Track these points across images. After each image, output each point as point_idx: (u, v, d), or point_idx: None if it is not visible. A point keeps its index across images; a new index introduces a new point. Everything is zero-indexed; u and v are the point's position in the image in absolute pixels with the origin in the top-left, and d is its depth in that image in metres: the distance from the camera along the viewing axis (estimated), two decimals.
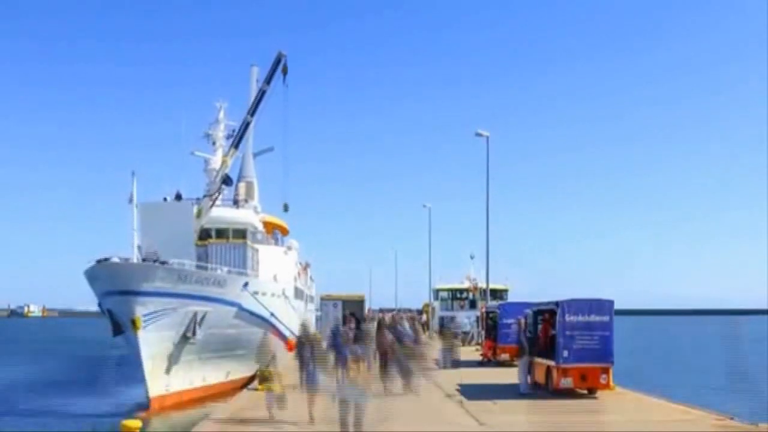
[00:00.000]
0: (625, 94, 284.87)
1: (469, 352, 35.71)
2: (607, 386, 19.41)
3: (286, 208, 48.46)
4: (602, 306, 19.35)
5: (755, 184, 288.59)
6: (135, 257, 28.45)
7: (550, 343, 19.99)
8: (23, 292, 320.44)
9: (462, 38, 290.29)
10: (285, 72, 42.14)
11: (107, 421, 26.07)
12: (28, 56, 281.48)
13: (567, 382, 19.01)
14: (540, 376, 20.51)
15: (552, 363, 19.45)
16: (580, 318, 19.02)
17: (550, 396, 19.23)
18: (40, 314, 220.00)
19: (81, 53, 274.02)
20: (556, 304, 19.68)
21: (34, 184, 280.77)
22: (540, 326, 21.30)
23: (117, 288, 27.14)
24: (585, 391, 19.63)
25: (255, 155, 54.40)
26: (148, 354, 27.58)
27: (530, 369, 20.75)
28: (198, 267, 31.98)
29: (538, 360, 20.59)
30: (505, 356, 27.10)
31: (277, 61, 41.40)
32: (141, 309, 27.08)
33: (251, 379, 30.93)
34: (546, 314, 21.02)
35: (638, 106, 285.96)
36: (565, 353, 18.96)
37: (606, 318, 19.14)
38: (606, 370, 19.17)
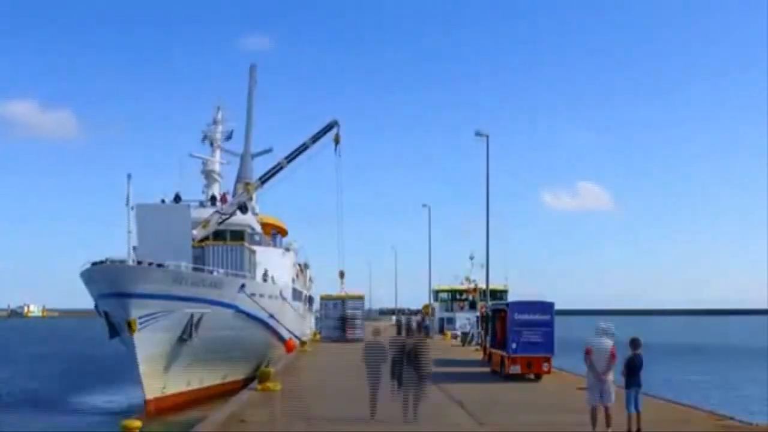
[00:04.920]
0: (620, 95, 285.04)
1: (469, 352, 35.62)
2: (548, 372, 22.82)
3: (342, 275, 54.43)
4: (544, 306, 22.72)
5: (755, 184, 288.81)
6: (130, 259, 28.27)
7: (504, 337, 23.31)
8: (23, 292, 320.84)
9: (463, 39, 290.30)
10: (337, 142, 42.55)
11: (105, 421, 26.10)
12: (28, 57, 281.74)
13: (515, 369, 22.60)
14: (496, 364, 24.59)
15: (504, 353, 23.22)
16: (526, 316, 22.34)
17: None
18: (40, 314, 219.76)
19: (79, 53, 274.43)
20: (506, 304, 23.77)
21: (34, 185, 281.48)
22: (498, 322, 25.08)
23: (112, 290, 26.98)
24: (532, 377, 22.98)
25: (254, 156, 54.39)
26: (143, 356, 27.42)
27: (490, 357, 25.41)
28: (194, 269, 31.83)
29: (495, 350, 25.05)
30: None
31: (329, 127, 41.92)
32: (136, 311, 26.91)
33: (248, 380, 30.78)
34: (502, 312, 24.31)
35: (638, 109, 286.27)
36: (514, 345, 22.45)
37: (547, 316, 22.38)
38: (547, 359, 22.66)
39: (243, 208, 40.65)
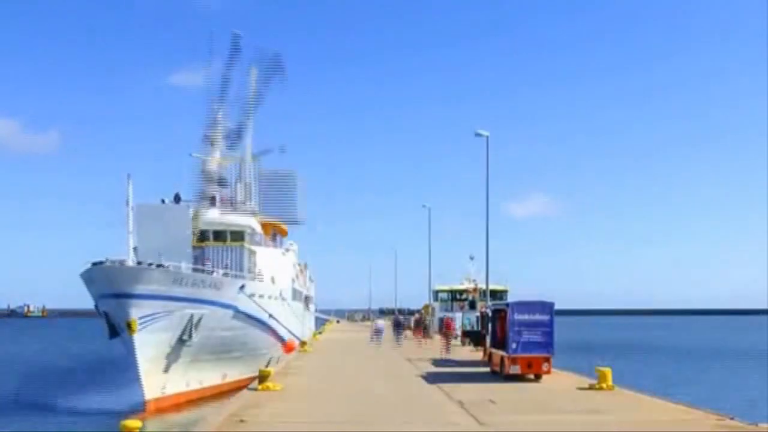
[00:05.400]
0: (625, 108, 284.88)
1: (468, 353, 35.59)
2: (548, 372, 22.51)
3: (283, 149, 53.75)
4: (544, 306, 22.59)
5: (755, 183, 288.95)
6: (130, 260, 28.26)
7: (504, 337, 23.15)
8: (23, 292, 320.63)
9: (465, 38, 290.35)
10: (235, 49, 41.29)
11: (104, 421, 26.08)
12: (27, 59, 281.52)
13: (515, 369, 22.35)
14: (496, 364, 24.24)
15: (504, 353, 22.99)
16: (527, 317, 22.24)
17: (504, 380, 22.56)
18: (40, 314, 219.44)
19: (76, 55, 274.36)
20: (507, 304, 23.54)
21: (34, 184, 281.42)
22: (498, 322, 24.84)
23: (112, 291, 26.99)
24: (532, 377, 22.66)
25: (254, 157, 54.39)
26: (144, 356, 27.41)
27: (490, 357, 25.32)
28: (194, 269, 31.82)
29: (495, 350, 24.63)
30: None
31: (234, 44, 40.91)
32: (136, 312, 26.92)
33: (248, 380, 30.77)
34: (502, 312, 24.23)
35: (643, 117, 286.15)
36: (514, 345, 22.26)
37: (547, 317, 22.30)
38: (547, 359, 22.39)
39: (222, 181, 39.86)
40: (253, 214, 48.08)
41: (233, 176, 52.59)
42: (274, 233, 55.01)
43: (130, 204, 29.10)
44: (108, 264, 27.59)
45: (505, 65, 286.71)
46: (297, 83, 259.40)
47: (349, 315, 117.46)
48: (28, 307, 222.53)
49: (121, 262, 27.79)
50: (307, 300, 63.97)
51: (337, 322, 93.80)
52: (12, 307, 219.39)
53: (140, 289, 26.82)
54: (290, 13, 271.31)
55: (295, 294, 52.22)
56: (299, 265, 62.28)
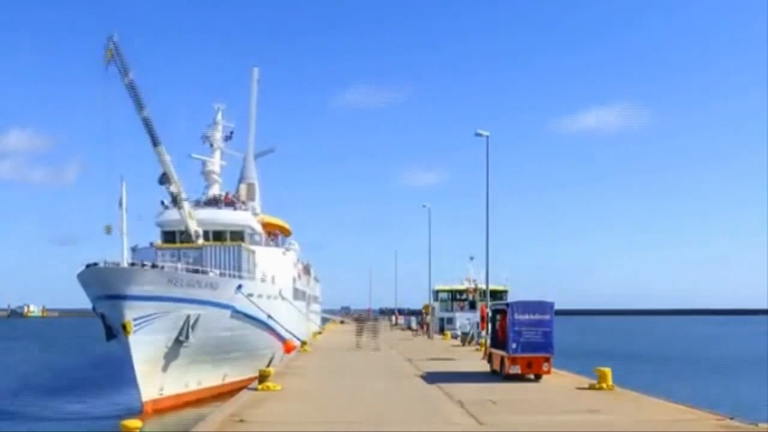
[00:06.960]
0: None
1: (468, 353, 35.50)
2: (548, 372, 22.42)
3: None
4: (544, 306, 22.46)
5: (755, 183, 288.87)
6: (124, 261, 28.11)
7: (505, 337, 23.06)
8: (23, 292, 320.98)
9: (465, 35, 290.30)
10: (111, 56, 32.26)
11: (103, 424, 25.97)
12: (23, 54, 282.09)
13: (515, 369, 22.25)
14: (497, 364, 24.07)
15: (504, 353, 22.86)
16: (527, 316, 22.10)
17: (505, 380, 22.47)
18: (40, 314, 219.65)
19: (71, 54, 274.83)
20: (507, 304, 23.46)
21: (34, 184, 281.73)
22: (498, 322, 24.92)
23: (107, 292, 26.87)
24: (532, 377, 22.55)
25: (256, 156, 54.44)
26: (140, 358, 27.28)
27: (490, 358, 25.10)
28: (189, 270, 31.70)
29: (495, 350, 24.45)
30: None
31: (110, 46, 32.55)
32: (131, 313, 26.77)
33: (248, 381, 30.65)
34: (502, 312, 24.24)
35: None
36: (514, 345, 22.12)
37: (547, 316, 22.16)
38: (547, 359, 22.28)
39: (161, 179, 35.16)
40: (255, 213, 48.04)
41: (236, 176, 52.84)
42: (277, 233, 54.93)
43: (125, 205, 28.96)
44: (102, 265, 27.45)
45: (507, 63, 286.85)
46: (297, 82, 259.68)
47: (342, 315, 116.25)
48: (28, 307, 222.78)
49: (115, 264, 27.65)
50: (311, 300, 63.96)
51: (342, 322, 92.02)
52: (12, 307, 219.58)
53: (134, 290, 26.66)
54: (288, 10, 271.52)
55: (297, 293, 52.08)
56: (302, 264, 62.20)
